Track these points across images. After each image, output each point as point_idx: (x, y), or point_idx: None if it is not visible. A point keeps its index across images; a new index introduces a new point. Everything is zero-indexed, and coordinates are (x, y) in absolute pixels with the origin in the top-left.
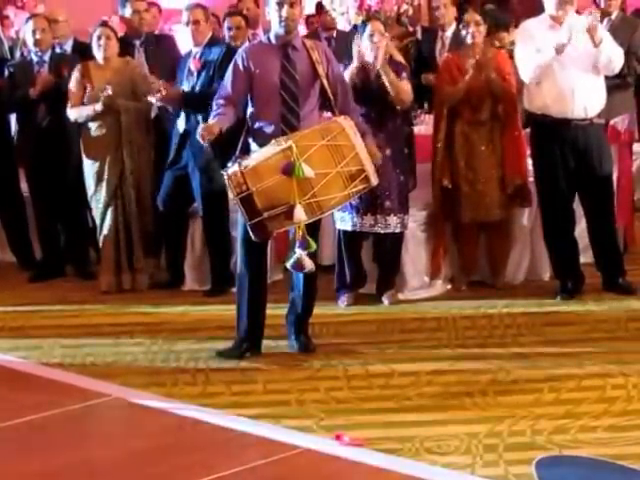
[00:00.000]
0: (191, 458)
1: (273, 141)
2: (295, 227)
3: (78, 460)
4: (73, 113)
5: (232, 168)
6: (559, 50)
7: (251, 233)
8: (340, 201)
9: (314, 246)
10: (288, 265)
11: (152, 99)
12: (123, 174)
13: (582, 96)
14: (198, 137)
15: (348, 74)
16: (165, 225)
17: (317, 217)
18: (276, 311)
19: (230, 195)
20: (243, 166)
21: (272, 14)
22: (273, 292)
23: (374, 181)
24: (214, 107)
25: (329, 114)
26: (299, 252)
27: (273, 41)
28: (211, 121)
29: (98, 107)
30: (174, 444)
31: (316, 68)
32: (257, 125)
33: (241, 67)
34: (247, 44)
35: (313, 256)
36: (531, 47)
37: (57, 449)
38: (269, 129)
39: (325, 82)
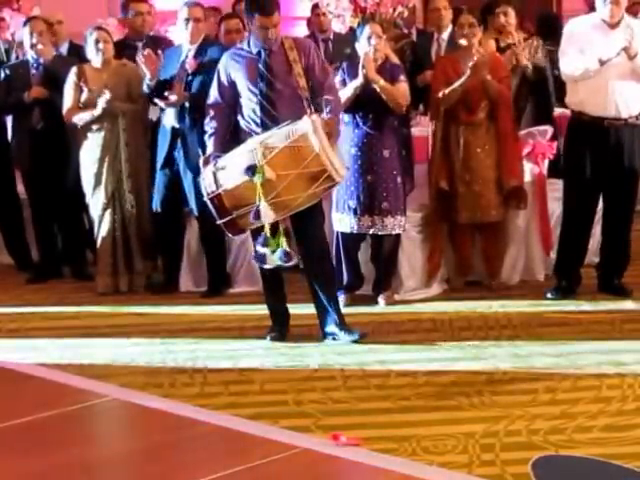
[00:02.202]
0: (189, 458)
1: (248, 140)
2: (267, 225)
3: (76, 460)
4: (73, 118)
5: (206, 168)
6: (603, 62)
7: (225, 231)
8: (307, 200)
9: (275, 246)
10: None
11: (161, 103)
12: (121, 177)
13: (618, 95)
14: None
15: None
16: (161, 227)
17: (285, 215)
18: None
19: (203, 193)
20: (216, 167)
21: (253, 29)
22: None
23: (339, 179)
24: (207, 118)
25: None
26: (263, 249)
27: (250, 48)
28: (210, 147)
29: (97, 112)
30: (172, 444)
31: (292, 68)
32: (239, 128)
33: (223, 75)
34: (227, 52)
35: (288, 255)
36: (574, 45)
37: (55, 449)
38: (249, 133)
39: (302, 81)
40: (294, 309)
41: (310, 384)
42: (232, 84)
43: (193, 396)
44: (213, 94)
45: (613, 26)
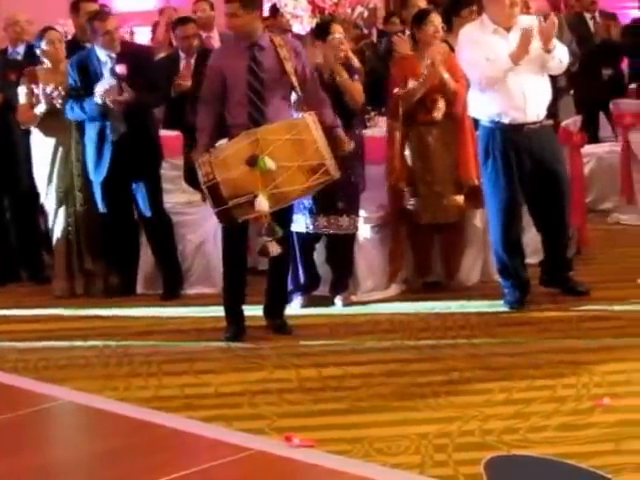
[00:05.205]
0: (144, 461)
1: (243, 133)
2: (262, 216)
3: (31, 464)
4: (34, 111)
5: (203, 157)
6: (518, 59)
7: (218, 219)
8: (302, 192)
9: (280, 232)
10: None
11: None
12: (72, 177)
13: (533, 99)
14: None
15: None
16: (111, 229)
17: (280, 206)
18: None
19: (200, 181)
20: (213, 156)
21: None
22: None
23: (335, 174)
24: (199, 114)
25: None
26: (265, 239)
27: (240, 42)
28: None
29: (42, 108)
30: (127, 447)
31: (284, 65)
32: (228, 122)
33: (213, 69)
34: (218, 46)
35: (282, 241)
36: (479, 54)
37: (10, 453)
38: (238, 127)
39: (293, 78)
40: (249, 310)
41: (265, 386)
42: (222, 78)
43: (148, 399)
44: (204, 87)
45: (509, 29)
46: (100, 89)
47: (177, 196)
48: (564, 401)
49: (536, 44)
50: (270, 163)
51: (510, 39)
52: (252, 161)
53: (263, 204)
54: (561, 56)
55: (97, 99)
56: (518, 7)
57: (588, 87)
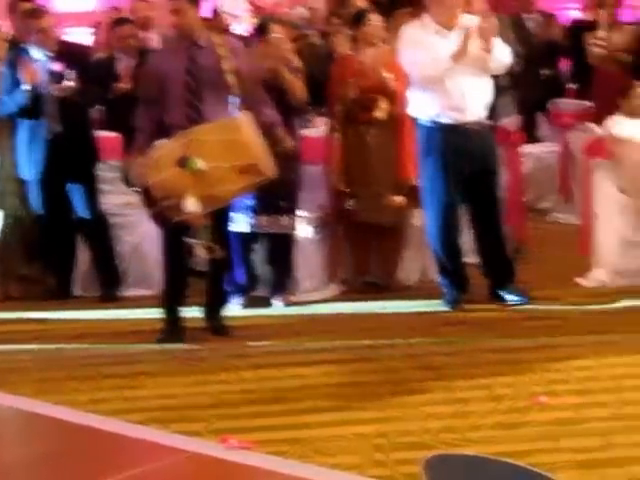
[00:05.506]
0: (81, 465)
1: (178, 134)
2: (197, 217)
3: None
4: None
5: (138, 159)
6: (458, 58)
7: (152, 221)
8: (236, 193)
9: (206, 237)
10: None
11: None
12: (6, 180)
13: (473, 100)
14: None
15: None
16: (50, 231)
17: (213, 208)
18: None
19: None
20: (148, 157)
21: None
22: None
23: (269, 174)
24: (137, 115)
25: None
26: (194, 242)
27: (179, 42)
28: (139, 140)
29: None
30: (64, 451)
31: (222, 65)
32: (167, 123)
33: (151, 70)
34: (158, 47)
35: (219, 242)
36: (420, 53)
37: None
38: (176, 127)
39: (231, 78)
40: (189, 312)
41: (204, 388)
42: (160, 79)
43: (85, 402)
44: (142, 89)
45: (451, 29)
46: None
47: (115, 197)
48: (502, 400)
49: (476, 44)
50: (200, 164)
51: (451, 39)
52: (182, 162)
53: (192, 206)
54: (502, 56)
55: (26, 86)
56: (460, 8)
57: (527, 87)
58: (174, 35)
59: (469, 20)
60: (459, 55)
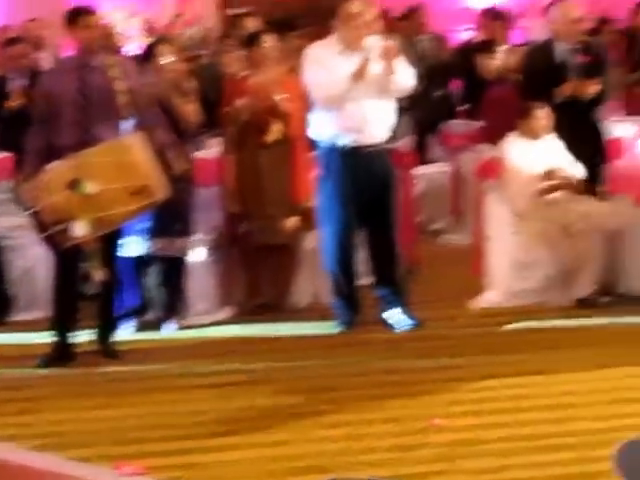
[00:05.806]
0: None
1: (68, 156)
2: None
3: None
4: None
5: (29, 181)
6: (357, 79)
7: (44, 244)
8: (128, 215)
9: (96, 260)
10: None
11: None
12: None
13: (374, 122)
14: None
15: None
16: None
17: (105, 231)
18: None
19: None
20: (38, 180)
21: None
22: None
23: (162, 195)
24: (28, 136)
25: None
26: (88, 264)
27: (70, 63)
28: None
29: None
30: None
31: (113, 85)
32: (58, 144)
33: (42, 91)
34: (48, 68)
35: (108, 266)
36: (321, 74)
37: None
38: (68, 149)
39: (123, 98)
40: (79, 336)
41: (95, 413)
42: (51, 100)
43: None
44: (33, 109)
45: (355, 50)
46: None
47: (5, 220)
48: (397, 421)
49: (379, 66)
50: (90, 187)
51: (354, 60)
52: (73, 185)
53: (80, 230)
54: (405, 78)
55: None
56: (367, 30)
57: (420, 108)
58: (64, 57)
59: (375, 42)
60: (358, 76)
